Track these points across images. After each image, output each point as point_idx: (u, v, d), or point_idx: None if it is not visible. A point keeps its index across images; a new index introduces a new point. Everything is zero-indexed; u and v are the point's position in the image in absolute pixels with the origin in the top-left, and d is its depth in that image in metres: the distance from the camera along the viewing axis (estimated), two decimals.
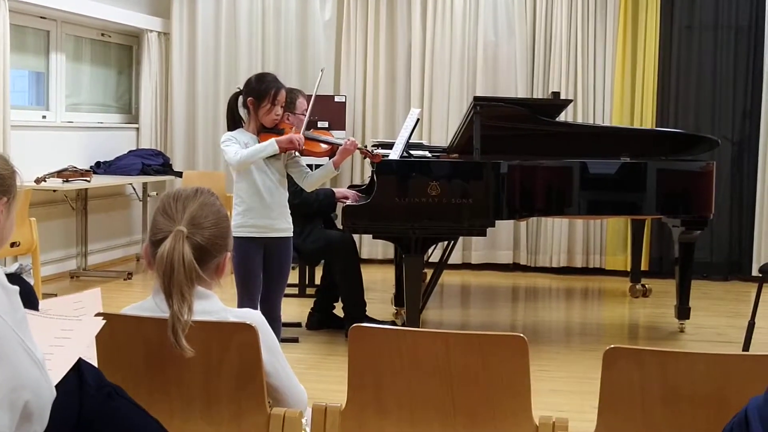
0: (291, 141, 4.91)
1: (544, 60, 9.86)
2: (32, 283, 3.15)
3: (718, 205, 7.23)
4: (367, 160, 7.11)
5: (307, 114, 5.33)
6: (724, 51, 9.50)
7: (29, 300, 2.48)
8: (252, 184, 4.98)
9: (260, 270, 5.02)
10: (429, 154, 7.03)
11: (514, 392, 2.59)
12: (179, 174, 9.86)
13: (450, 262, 7.94)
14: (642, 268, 8.82)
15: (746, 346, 6.28)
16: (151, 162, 9.69)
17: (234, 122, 5.10)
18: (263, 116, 5.01)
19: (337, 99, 9.76)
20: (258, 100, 5.00)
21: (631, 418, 2.49)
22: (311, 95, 5.31)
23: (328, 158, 5.19)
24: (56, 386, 1.96)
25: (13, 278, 2.49)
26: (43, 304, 2.62)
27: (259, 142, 4.99)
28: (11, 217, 1.99)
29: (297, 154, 5.10)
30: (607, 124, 9.56)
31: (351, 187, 7.86)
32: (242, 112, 5.11)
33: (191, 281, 2.51)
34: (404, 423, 2.65)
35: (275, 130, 5.06)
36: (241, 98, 5.09)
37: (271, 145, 4.87)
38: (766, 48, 9.29)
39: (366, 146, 6.31)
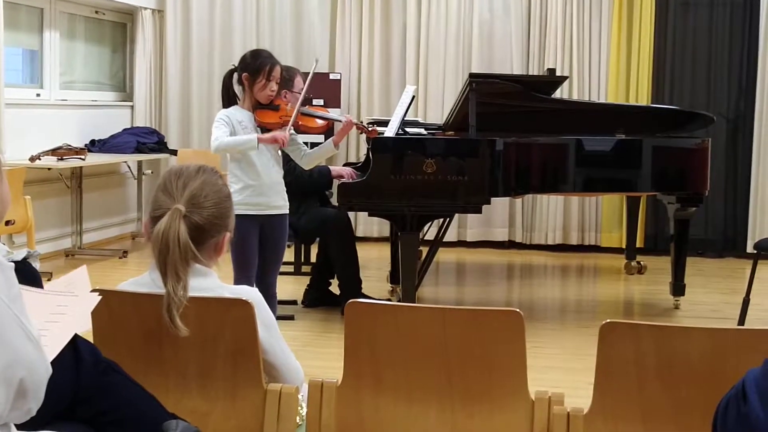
0: (274, 139, 4.90)
1: (540, 37, 9.83)
2: (38, 267, 3.15)
3: (713, 182, 7.22)
4: (363, 136, 7.11)
5: (303, 92, 5.32)
6: (720, 27, 9.48)
7: (35, 285, 2.48)
8: (247, 161, 4.97)
9: (256, 248, 5.01)
10: (424, 132, 7.02)
11: (510, 367, 2.59)
12: (174, 152, 9.84)
13: (445, 239, 7.94)
14: (637, 245, 8.82)
15: (741, 323, 6.29)
16: (146, 140, 9.67)
17: (229, 99, 5.09)
18: (258, 92, 5.00)
19: (332, 76, 9.74)
20: (253, 76, 4.98)
21: (626, 392, 2.50)
22: (307, 74, 5.29)
23: (323, 134, 5.19)
24: (52, 362, 1.96)
25: (22, 264, 2.50)
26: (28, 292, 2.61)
27: (255, 119, 4.99)
28: (4, 182, 1.97)
29: (294, 131, 5.08)
30: (602, 100, 9.56)
31: (347, 164, 7.85)
32: (237, 89, 5.10)
33: (186, 261, 2.51)
34: (401, 399, 2.65)
35: (270, 107, 5.04)
36: (236, 75, 5.07)
37: (251, 141, 4.86)
38: (761, 25, 9.28)
39: (362, 122, 6.30)
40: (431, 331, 2.61)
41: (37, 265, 3.14)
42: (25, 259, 2.98)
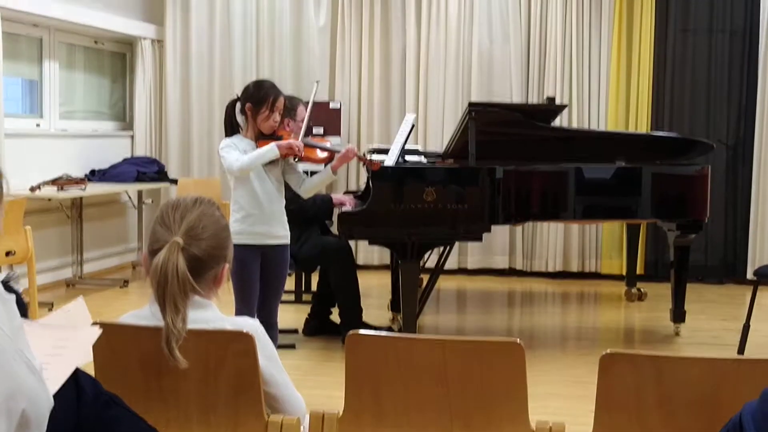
0: (291, 146, 4.91)
1: (539, 65, 9.87)
2: (20, 291, 3.13)
3: (713, 209, 7.24)
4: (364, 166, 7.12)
5: (305, 121, 5.33)
6: (719, 54, 9.52)
7: (19, 309, 2.48)
8: (250, 190, 4.98)
9: (258, 277, 5.01)
10: (424, 160, 7.04)
11: (510, 398, 2.60)
12: (174, 181, 9.85)
13: (446, 267, 7.93)
14: (638, 272, 8.83)
15: (741, 349, 6.28)
16: (146, 169, 9.69)
17: (232, 129, 5.09)
18: (261, 122, 5.01)
19: (332, 105, 9.78)
20: (256, 107, 4.99)
21: (626, 422, 2.50)
22: (308, 103, 5.31)
23: (324, 165, 5.20)
24: (54, 395, 1.96)
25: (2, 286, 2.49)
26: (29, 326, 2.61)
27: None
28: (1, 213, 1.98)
29: (296, 160, 5.10)
30: (602, 128, 9.59)
31: (347, 192, 7.87)
32: (240, 118, 5.11)
33: (185, 293, 2.50)
34: (402, 429, 2.65)
35: (273, 137, 5.05)
36: (238, 105, 5.08)
37: (271, 149, 4.86)
38: (760, 52, 9.32)
39: (364, 154, 6.32)
40: (432, 363, 2.61)
41: (19, 288, 3.13)
42: (5, 282, 2.97)
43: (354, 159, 5.34)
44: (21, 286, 3.08)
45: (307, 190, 5.22)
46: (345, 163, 5.24)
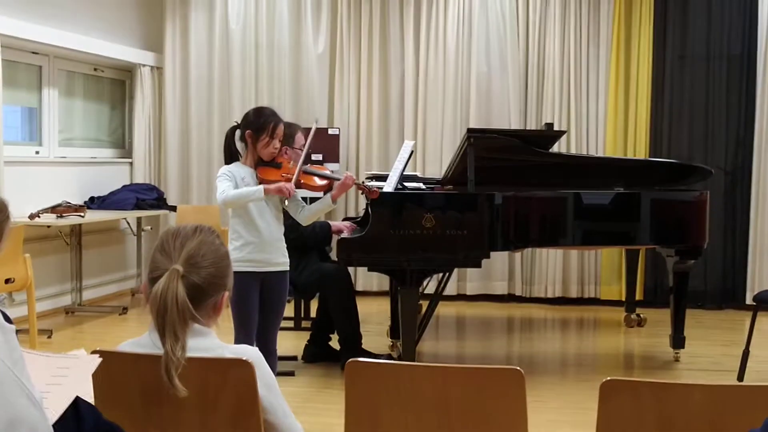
0: (280, 190, 4.90)
1: (537, 91, 9.90)
2: (7, 311, 3.13)
3: (712, 235, 7.24)
4: (363, 194, 7.12)
5: (305, 149, 5.33)
6: (717, 81, 9.55)
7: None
8: (249, 218, 4.98)
9: (257, 304, 5.00)
10: (423, 186, 7.04)
11: (511, 425, 2.59)
12: (173, 208, 9.85)
13: (445, 293, 7.93)
14: (637, 298, 8.82)
15: (741, 375, 6.28)
16: (145, 196, 9.69)
17: (231, 156, 5.09)
18: (261, 150, 5.02)
19: (330, 131, 9.79)
20: (256, 134, 5.00)
21: None
22: (308, 129, 5.30)
23: (324, 193, 5.20)
24: (54, 424, 1.96)
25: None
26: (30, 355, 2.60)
27: (257, 176, 5.00)
28: (3, 242, 1.99)
29: (285, 201, 5.10)
30: (600, 154, 9.60)
31: (346, 219, 7.87)
32: (239, 145, 5.11)
33: (184, 321, 2.50)
34: None
35: (273, 164, 5.06)
36: (238, 132, 5.09)
37: (258, 192, 4.86)
38: (758, 77, 9.34)
39: (363, 182, 6.32)
40: (432, 390, 2.60)
41: (6, 309, 3.13)
42: None
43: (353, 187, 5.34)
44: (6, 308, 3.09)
45: (306, 218, 5.22)
46: (344, 191, 5.25)
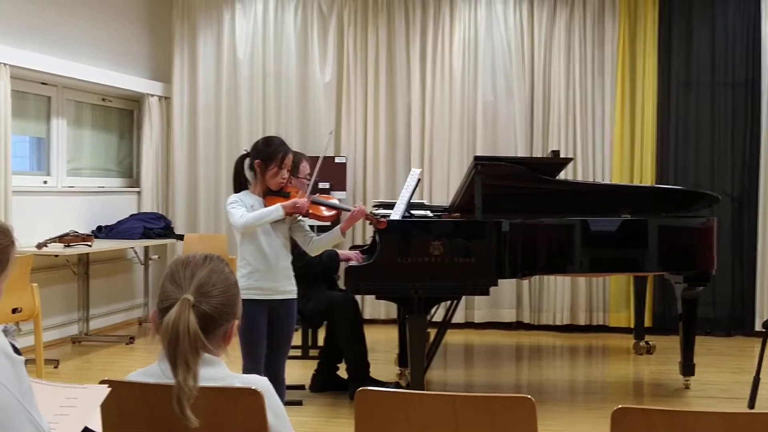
0: (296, 206, 4.93)
1: (543, 119, 9.92)
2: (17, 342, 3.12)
3: (720, 261, 7.22)
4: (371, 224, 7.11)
5: (313, 177, 5.34)
6: (722, 107, 9.56)
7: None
8: (257, 246, 4.99)
9: (265, 332, 5.00)
10: (431, 214, 7.04)
11: None
12: (181, 237, 9.86)
13: (453, 321, 7.91)
14: (645, 325, 8.81)
15: (752, 402, 6.24)
16: (153, 225, 9.70)
17: (240, 184, 5.13)
18: (270, 179, 5.04)
19: (337, 160, 9.81)
20: (265, 163, 5.03)
21: None
22: (316, 158, 5.31)
23: (331, 222, 5.21)
24: None
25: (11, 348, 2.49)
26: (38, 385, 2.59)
27: (265, 205, 5.01)
28: (8, 274, 1.99)
29: (301, 217, 5.12)
30: (607, 181, 9.60)
31: (353, 247, 7.87)
32: (248, 174, 5.13)
33: (196, 351, 2.48)
34: None
35: (281, 193, 5.08)
36: (247, 161, 5.11)
37: (276, 210, 4.89)
38: (763, 104, 9.36)
39: (371, 212, 6.33)
40: (442, 419, 2.59)
41: (16, 342, 3.12)
42: (4, 331, 2.96)
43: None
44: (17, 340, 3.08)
45: (314, 249, 5.24)
46: (354, 223, 5.26)
